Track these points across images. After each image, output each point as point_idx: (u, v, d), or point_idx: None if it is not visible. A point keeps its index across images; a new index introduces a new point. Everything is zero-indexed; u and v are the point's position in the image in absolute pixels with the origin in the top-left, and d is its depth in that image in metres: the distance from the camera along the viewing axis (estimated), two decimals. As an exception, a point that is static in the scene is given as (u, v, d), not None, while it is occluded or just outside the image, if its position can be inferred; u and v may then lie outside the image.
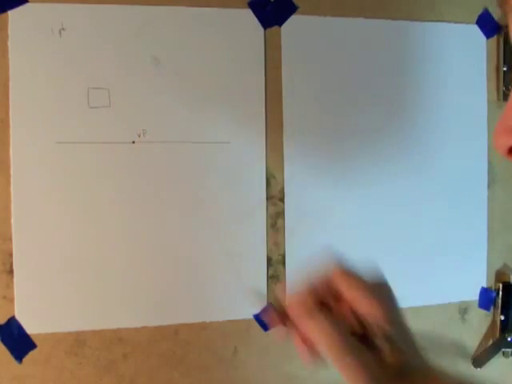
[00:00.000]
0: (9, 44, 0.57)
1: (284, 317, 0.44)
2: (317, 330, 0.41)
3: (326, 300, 0.44)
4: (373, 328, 0.42)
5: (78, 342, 0.60)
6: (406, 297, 0.68)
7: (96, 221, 0.59)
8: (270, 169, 0.65)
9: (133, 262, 0.61)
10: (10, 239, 0.58)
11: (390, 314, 0.43)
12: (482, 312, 0.72)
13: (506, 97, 0.71)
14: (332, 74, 0.66)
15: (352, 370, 0.40)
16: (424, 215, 0.69)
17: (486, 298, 0.72)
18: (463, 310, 0.71)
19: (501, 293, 0.72)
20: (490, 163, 0.71)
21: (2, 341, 0.58)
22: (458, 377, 0.43)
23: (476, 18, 0.70)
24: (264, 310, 0.65)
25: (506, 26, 0.30)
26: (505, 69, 0.71)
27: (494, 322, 0.72)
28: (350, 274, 0.45)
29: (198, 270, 0.63)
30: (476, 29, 0.70)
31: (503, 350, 0.72)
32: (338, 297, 0.44)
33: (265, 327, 0.65)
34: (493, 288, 0.72)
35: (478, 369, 0.72)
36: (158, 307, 0.62)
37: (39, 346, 0.59)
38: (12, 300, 0.58)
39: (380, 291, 0.44)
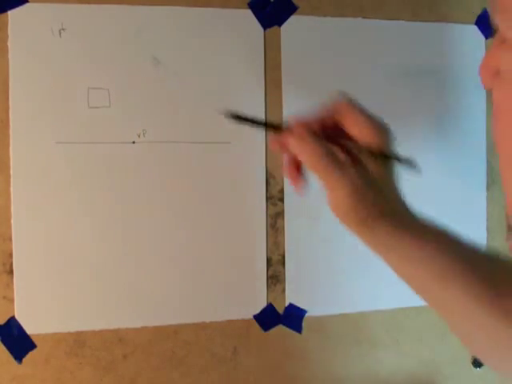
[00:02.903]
0: (9, 44, 0.57)
1: (279, 136, 0.49)
2: (303, 148, 0.47)
3: (325, 128, 0.49)
4: (365, 151, 0.48)
5: (78, 342, 0.60)
6: (407, 297, 0.69)
7: (96, 221, 0.60)
8: (270, 169, 0.65)
9: (133, 262, 0.61)
10: (10, 239, 0.58)
11: (386, 147, 0.48)
12: (482, 312, 0.72)
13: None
14: (332, 75, 0.66)
15: (335, 182, 0.47)
16: (423, 215, 0.69)
17: (486, 298, 0.72)
18: (463, 309, 0.71)
19: (500, 293, 0.72)
20: (489, 163, 0.71)
21: (2, 341, 0.58)
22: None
23: (475, 18, 0.70)
24: (263, 310, 0.65)
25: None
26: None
27: (493, 321, 0.72)
28: (355, 105, 0.49)
29: (197, 270, 0.63)
30: (475, 29, 0.70)
31: (503, 349, 0.72)
32: (338, 127, 0.49)
33: (265, 327, 0.65)
34: (492, 288, 0.72)
35: (478, 369, 0.72)
36: (158, 307, 0.62)
37: (39, 346, 0.59)
38: (12, 300, 0.58)
39: (381, 127, 0.49)
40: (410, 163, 0.48)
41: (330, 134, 0.49)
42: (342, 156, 0.48)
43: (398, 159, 0.48)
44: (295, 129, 0.48)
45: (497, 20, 0.28)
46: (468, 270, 0.45)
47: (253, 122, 0.49)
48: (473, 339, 0.47)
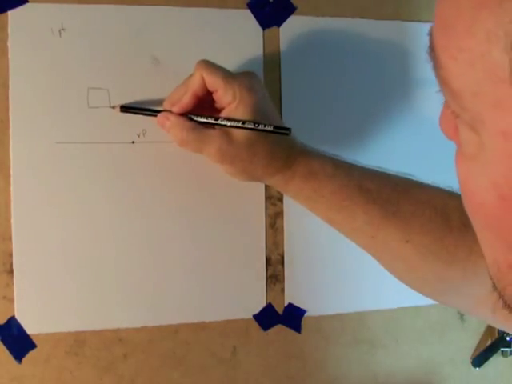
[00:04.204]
0: (9, 44, 0.57)
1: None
2: (169, 127, 0.56)
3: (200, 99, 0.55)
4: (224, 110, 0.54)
5: (77, 342, 0.60)
6: (406, 297, 0.69)
7: (96, 221, 0.59)
8: (269, 169, 0.65)
9: (133, 262, 0.61)
10: (10, 239, 0.57)
11: (249, 100, 0.54)
12: (481, 311, 0.72)
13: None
14: (331, 75, 0.66)
15: (206, 150, 0.54)
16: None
17: (485, 298, 0.72)
18: (462, 309, 0.71)
19: (499, 292, 0.72)
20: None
21: (2, 341, 0.58)
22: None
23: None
24: (263, 310, 0.65)
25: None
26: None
27: (492, 321, 0.73)
28: (212, 64, 0.54)
29: (197, 270, 0.63)
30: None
31: (502, 349, 0.72)
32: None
33: (264, 327, 0.65)
34: (491, 287, 0.72)
35: (477, 368, 0.72)
36: (158, 307, 0.62)
37: (39, 346, 0.59)
38: (12, 300, 0.58)
39: (242, 79, 0.54)
40: (277, 128, 0.54)
41: (206, 104, 0.56)
42: (208, 127, 0.55)
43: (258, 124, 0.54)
44: (164, 111, 0.56)
45: (446, 97, 0.28)
46: (363, 197, 0.55)
47: (140, 110, 0.58)
48: (381, 257, 0.58)
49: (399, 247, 0.54)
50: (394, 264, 0.57)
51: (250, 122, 0.53)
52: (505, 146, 0.24)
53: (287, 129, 0.54)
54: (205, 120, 0.55)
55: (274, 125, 0.53)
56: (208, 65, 0.54)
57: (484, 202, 0.27)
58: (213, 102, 0.56)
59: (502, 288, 0.29)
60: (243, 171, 0.57)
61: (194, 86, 0.54)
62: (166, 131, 0.56)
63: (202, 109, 0.56)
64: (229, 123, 0.53)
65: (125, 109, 0.58)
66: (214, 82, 0.53)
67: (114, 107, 0.58)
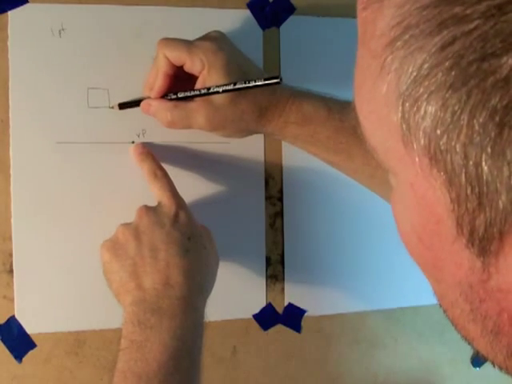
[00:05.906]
0: (9, 44, 0.57)
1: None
2: (154, 112, 0.56)
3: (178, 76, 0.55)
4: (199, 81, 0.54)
5: (78, 341, 0.60)
6: (406, 296, 0.69)
7: (96, 221, 0.59)
8: (269, 169, 0.65)
9: (133, 262, 0.61)
10: (10, 239, 0.57)
11: (218, 61, 0.53)
12: (481, 311, 0.72)
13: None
14: (331, 75, 0.66)
15: (194, 123, 0.55)
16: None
17: (485, 298, 0.72)
18: (462, 309, 0.71)
19: (499, 292, 0.72)
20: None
21: (2, 340, 0.58)
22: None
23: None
24: (263, 310, 0.65)
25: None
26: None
27: (492, 321, 0.73)
28: (172, 40, 0.54)
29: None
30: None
31: (502, 349, 0.72)
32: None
33: (264, 327, 0.65)
34: (491, 287, 0.72)
35: (477, 368, 0.72)
36: (158, 307, 0.62)
37: (39, 346, 0.59)
38: (12, 300, 0.58)
39: (206, 43, 0.54)
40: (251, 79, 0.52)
41: (184, 76, 0.55)
42: (189, 100, 0.55)
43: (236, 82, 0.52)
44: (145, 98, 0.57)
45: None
46: (358, 138, 0.56)
47: (132, 103, 0.58)
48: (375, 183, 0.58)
49: None
50: None
51: (228, 83, 0.52)
52: (413, 195, 0.26)
53: (277, 77, 0.51)
54: (187, 94, 0.54)
55: (263, 77, 0.51)
56: (167, 42, 0.54)
57: (409, 242, 0.29)
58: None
59: (443, 311, 0.32)
60: (237, 131, 0.58)
61: (162, 67, 0.54)
62: (152, 117, 0.57)
63: (184, 82, 0.56)
64: (215, 89, 0.52)
65: (122, 105, 0.59)
66: (178, 57, 0.53)
67: (112, 107, 0.58)
